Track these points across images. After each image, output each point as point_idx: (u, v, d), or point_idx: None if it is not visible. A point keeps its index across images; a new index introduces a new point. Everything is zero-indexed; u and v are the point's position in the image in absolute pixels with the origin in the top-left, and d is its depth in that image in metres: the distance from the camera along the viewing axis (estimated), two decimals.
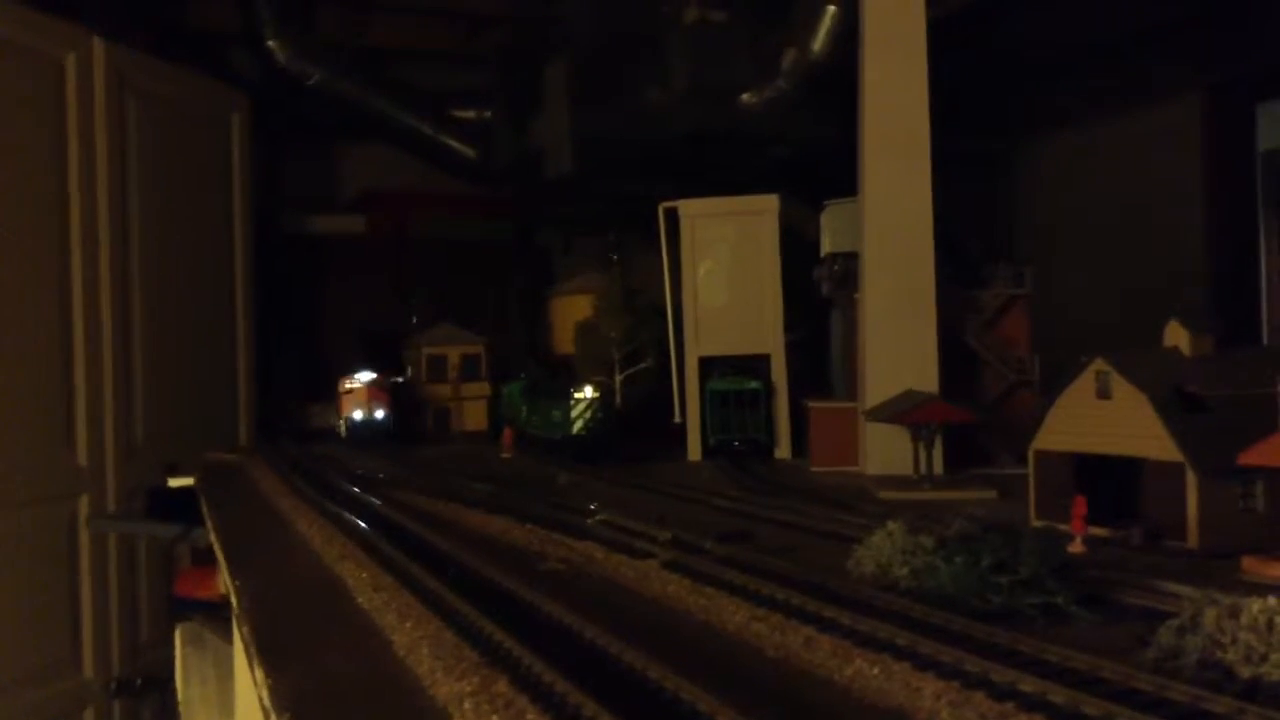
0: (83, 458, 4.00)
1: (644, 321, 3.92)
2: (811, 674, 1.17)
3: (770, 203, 3.62)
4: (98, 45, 4.08)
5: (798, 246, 3.76)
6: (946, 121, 2.95)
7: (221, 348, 4.90)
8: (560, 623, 1.29)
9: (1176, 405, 1.83)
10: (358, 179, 6.17)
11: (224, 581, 1.92)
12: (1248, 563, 1.61)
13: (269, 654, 1.30)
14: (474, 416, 4.61)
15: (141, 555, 4.22)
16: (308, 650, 1.32)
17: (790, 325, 3.63)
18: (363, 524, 2.02)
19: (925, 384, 2.84)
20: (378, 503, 2.37)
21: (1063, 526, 1.82)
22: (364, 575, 1.62)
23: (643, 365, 3.91)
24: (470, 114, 5.82)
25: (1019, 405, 3.18)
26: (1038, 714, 0.97)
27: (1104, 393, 1.91)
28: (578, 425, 3.40)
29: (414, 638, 1.27)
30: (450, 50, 5.91)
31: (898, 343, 2.91)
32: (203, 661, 3.01)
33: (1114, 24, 3.98)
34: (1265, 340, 3.83)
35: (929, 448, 2.68)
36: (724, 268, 3.64)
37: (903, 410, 2.72)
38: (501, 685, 1.07)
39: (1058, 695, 0.99)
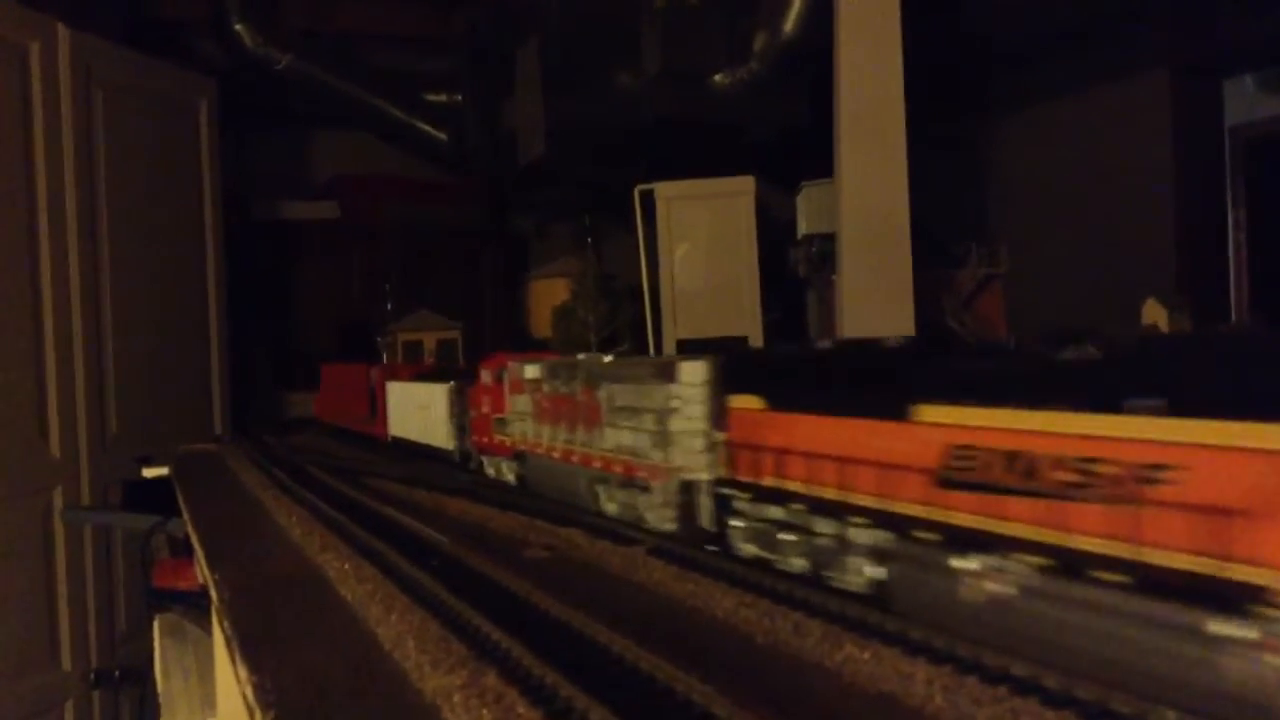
0: (55, 449, 3.96)
1: (621, 305, 3.91)
2: (801, 660, 1.16)
3: (746, 184, 3.62)
4: (62, 33, 4.02)
5: (773, 227, 3.76)
6: (919, 102, 2.95)
7: (194, 337, 4.86)
8: (547, 612, 1.28)
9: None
10: (330, 165, 6.12)
11: (202, 574, 1.90)
12: None
13: (251, 649, 1.28)
14: None
15: (118, 546, 4.19)
16: (291, 645, 1.31)
17: (767, 306, 3.63)
18: (343, 514, 2.01)
19: None
20: (356, 492, 2.36)
21: None
22: (346, 567, 1.61)
23: (620, 349, 3.90)
24: (441, 97, 5.78)
25: None
26: (1031, 698, 0.97)
27: None
28: None
29: (399, 630, 1.26)
30: (419, 34, 5.86)
31: (875, 323, 2.92)
32: (183, 653, 2.99)
33: (1082, 3, 3.99)
34: (1234, 311, 3.87)
35: None
36: (701, 250, 3.64)
37: None
38: (490, 678, 1.06)
39: (1050, 680, 0.99)
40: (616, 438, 1.80)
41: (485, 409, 2.46)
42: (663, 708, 0.97)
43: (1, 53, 3.80)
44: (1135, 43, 4.07)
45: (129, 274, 4.35)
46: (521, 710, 0.98)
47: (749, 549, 1.48)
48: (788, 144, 4.24)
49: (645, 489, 1.70)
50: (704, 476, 1.58)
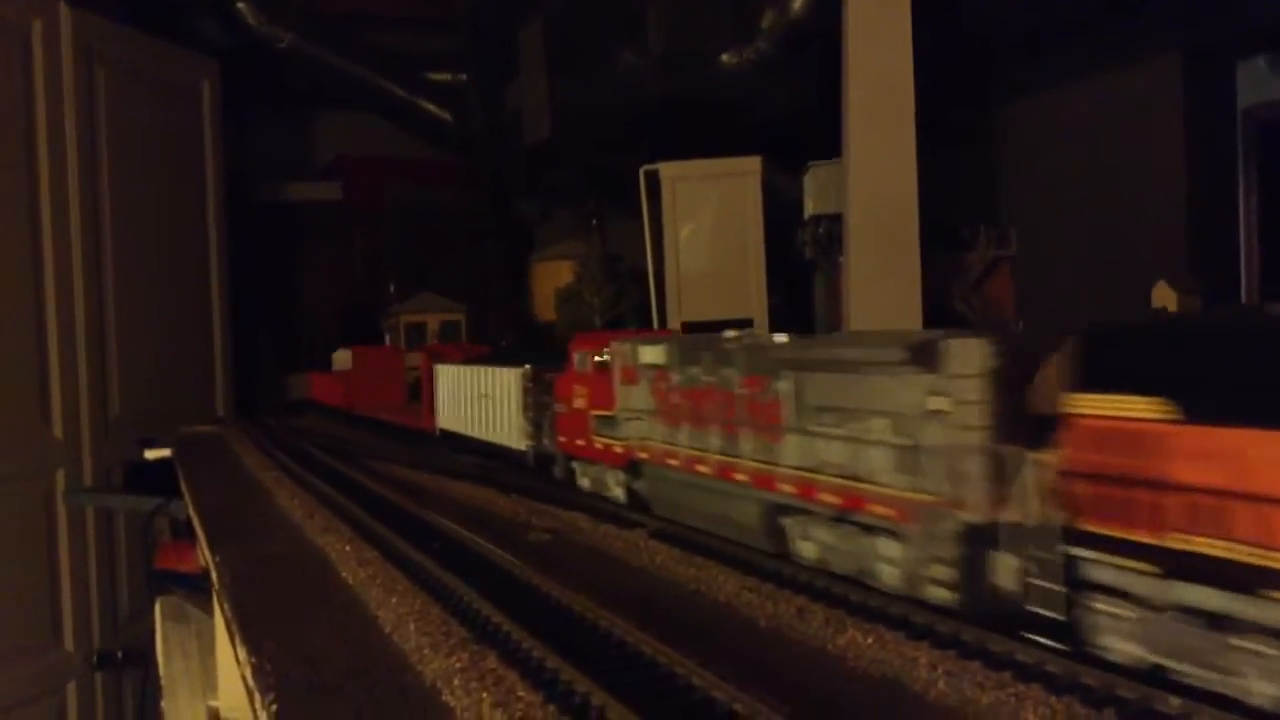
0: (58, 431, 3.95)
1: (626, 288, 3.89)
2: (804, 644, 1.15)
3: (753, 165, 3.59)
4: (64, 12, 4.00)
5: (779, 208, 3.73)
6: (928, 85, 2.92)
7: (197, 319, 4.85)
8: (549, 595, 1.27)
9: None
10: (333, 146, 6.09)
11: (203, 556, 1.89)
12: None
13: (251, 632, 1.27)
14: None
15: (120, 528, 4.19)
16: (291, 627, 1.30)
17: (772, 288, 3.61)
18: (345, 496, 2.00)
19: None
20: (359, 475, 2.35)
21: None
22: (347, 549, 1.60)
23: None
24: (445, 77, 5.75)
25: None
26: (1035, 683, 0.95)
27: None
28: None
29: (400, 613, 1.25)
30: (422, 14, 5.83)
31: (882, 305, 2.90)
32: (184, 636, 2.99)
33: None
34: (1244, 295, 3.85)
35: None
36: (706, 231, 3.61)
37: None
38: (491, 661, 1.05)
39: (1055, 665, 0.97)
40: (814, 451, 1.30)
41: (579, 403, 1.92)
42: (665, 691, 0.96)
43: (3, 32, 3.78)
44: (1148, 25, 4.03)
45: (131, 255, 4.33)
46: (522, 693, 0.97)
47: (1133, 651, 0.95)
48: (795, 124, 4.20)
49: (884, 531, 1.19)
50: (1014, 520, 1.06)
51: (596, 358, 1.86)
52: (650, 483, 1.73)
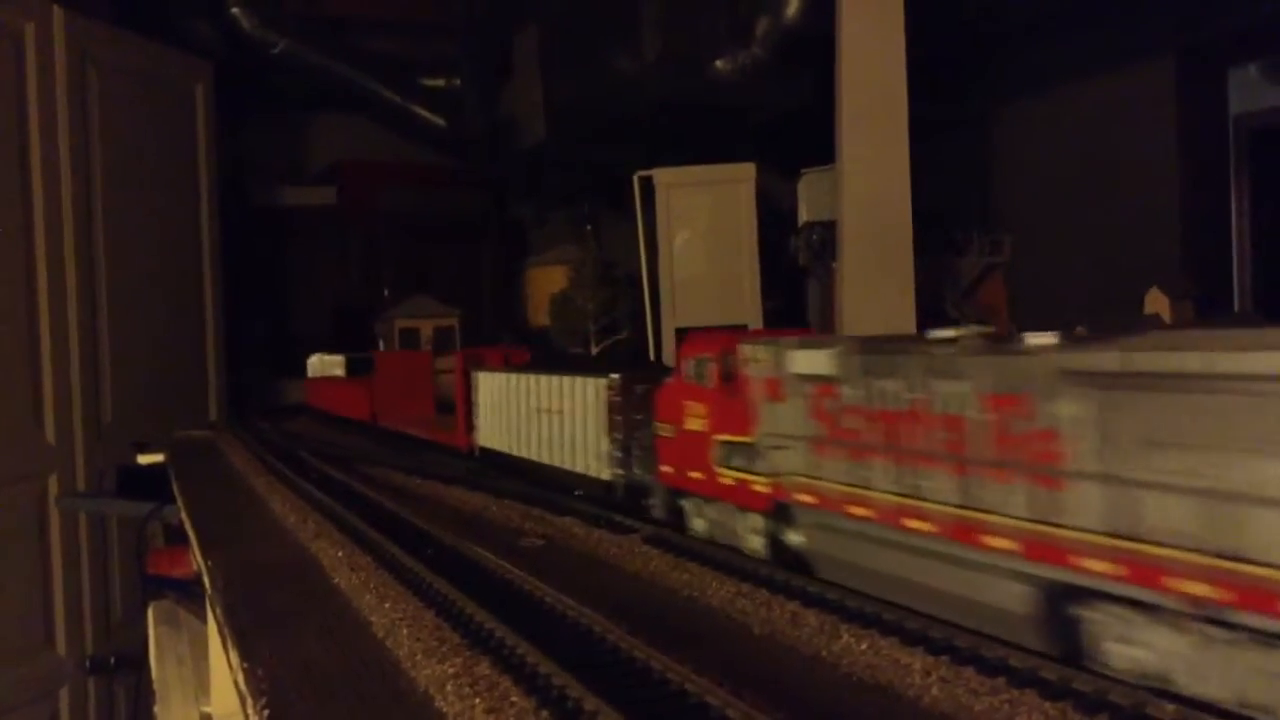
0: (51, 436, 3.94)
1: (620, 293, 3.88)
2: (798, 650, 1.15)
3: (747, 171, 3.59)
4: (57, 14, 4.00)
5: (774, 214, 3.73)
6: (922, 87, 2.92)
7: (190, 323, 4.84)
8: (542, 600, 1.27)
9: None
10: (328, 150, 6.09)
11: (196, 561, 1.89)
12: None
13: (243, 637, 1.27)
14: None
15: (113, 533, 4.18)
16: (284, 632, 1.30)
17: (767, 294, 3.60)
18: (337, 502, 1.99)
19: None
20: (352, 480, 2.34)
21: None
22: (340, 554, 1.60)
23: (619, 337, 3.88)
24: (439, 82, 5.75)
25: None
26: (1029, 690, 0.95)
27: None
28: None
29: (393, 619, 1.25)
30: (416, 19, 5.83)
31: (876, 312, 2.90)
32: (177, 641, 2.98)
33: None
34: (1237, 301, 3.86)
35: None
36: (700, 237, 3.60)
37: None
38: (484, 667, 1.05)
39: (1049, 671, 0.97)
40: (1136, 509, 0.89)
41: (695, 424, 1.56)
42: (658, 698, 0.95)
43: None
44: (1140, 29, 4.04)
45: (125, 259, 4.33)
46: (515, 699, 0.97)
47: None
48: (791, 128, 4.20)
49: None
50: None
51: (723, 365, 1.45)
52: (815, 535, 1.33)
